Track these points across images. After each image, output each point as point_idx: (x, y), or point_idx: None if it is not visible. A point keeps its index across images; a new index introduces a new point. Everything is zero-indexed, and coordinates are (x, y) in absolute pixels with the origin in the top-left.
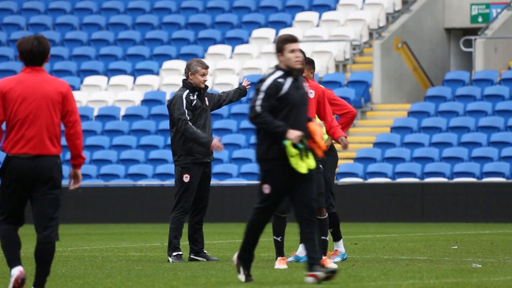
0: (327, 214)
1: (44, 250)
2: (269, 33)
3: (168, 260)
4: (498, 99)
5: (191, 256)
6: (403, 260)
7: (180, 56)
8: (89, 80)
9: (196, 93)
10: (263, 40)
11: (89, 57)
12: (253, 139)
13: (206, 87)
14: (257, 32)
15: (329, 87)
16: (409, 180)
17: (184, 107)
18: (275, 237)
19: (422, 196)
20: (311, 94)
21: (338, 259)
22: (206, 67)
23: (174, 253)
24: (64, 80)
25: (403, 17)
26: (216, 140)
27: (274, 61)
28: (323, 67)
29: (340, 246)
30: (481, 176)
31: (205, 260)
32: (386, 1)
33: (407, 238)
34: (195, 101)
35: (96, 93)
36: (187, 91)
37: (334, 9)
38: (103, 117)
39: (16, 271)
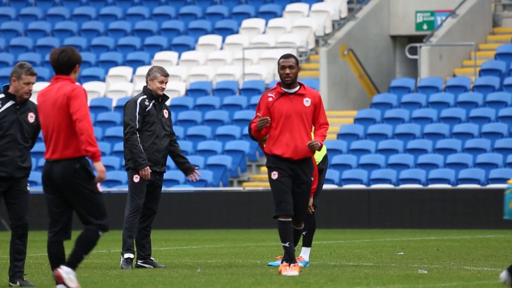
0: (302, 225)
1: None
2: (216, 39)
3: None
4: (443, 106)
5: (138, 263)
6: (350, 266)
7: (126, 63)
8: (36, 86)
9: (153, 101)
10: (209, 47)
11: (34, 63)
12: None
13: (166, 97)
14: (203, 39)
15: None
16: (356, 187)
17: (137, 113)
18: (282, 243)
19: (369, 202)
20: (307, 102)
21: (301, 264)
22: (166, 75)
23: (126, 255)
24: (77, 85)
25: (349, 24)
26: (146, 170)
27: (220, 68)
28: (269, 73)
29: (306, 253)
30: (426, 182)
31: (152, 267)
32: (332, 9)
33: (354, 244)
34: (149, 108)
35: None
36: (143, 96)
37: (281, 16)
38: None
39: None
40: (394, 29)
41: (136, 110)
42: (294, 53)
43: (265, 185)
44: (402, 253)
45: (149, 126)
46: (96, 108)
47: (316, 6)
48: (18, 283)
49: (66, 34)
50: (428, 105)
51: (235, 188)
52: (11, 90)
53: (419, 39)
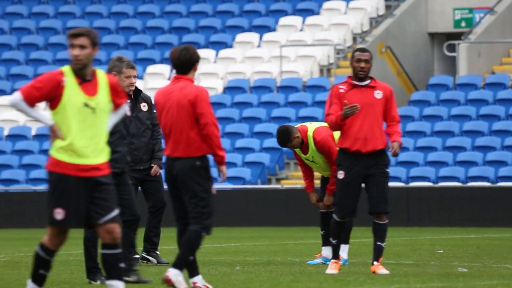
0: (387, 220)
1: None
2: (253, 37)
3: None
4: (482, 103)
5: (143, 254)
6: (389, 264)
7: (164, 61)
8: None
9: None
10: (247, 45)
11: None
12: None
13: (139, 91)
14: (241, 37)
15: (313, 91)
16: (395, 185)
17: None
18: (331, 239)
19: (407, 200)
20: (378, 94)
21: (320, 260)
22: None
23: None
24: (199, 86)
25: (386, 22)
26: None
27: (258, 66)
28: (307, 71)
29: (345, 251)
30: (465, 180)
31: (155, 260)
32: (370, 6)
33: (393, 242)
34: None
35: None
36: None
37: (318, 13)
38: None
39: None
40: (432, 26)
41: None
42: (332, 50)
43: (303, 183)
44: (441, 251)
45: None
46: None
47: (353, 4)
48: (133, 277)
49: (104, 32)
50: (466, 102)
51: (273, 185)
52: None
53: (457, 36)
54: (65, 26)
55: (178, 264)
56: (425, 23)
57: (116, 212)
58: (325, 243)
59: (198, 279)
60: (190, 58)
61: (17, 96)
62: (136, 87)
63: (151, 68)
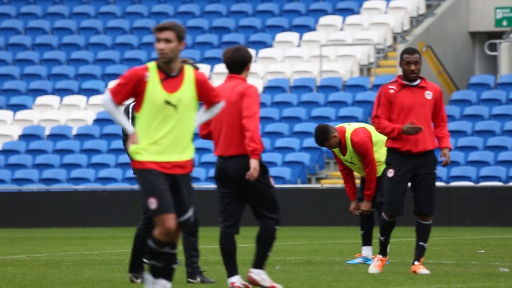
0: (431, 221)
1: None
2: (293, 36)
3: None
4: None
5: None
6: (430, 264)
7: (204, 60)
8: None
9: None
10: (287, 44)
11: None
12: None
13: None
14: (281, 36)
15: (353, 91)
16: (436, 184)
17: (129, 119)
18: (379, 236)
19: (448, 200)
20: (429, 95)
21: (360, 260)
22: None
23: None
24: (250, 84)
25: (427, 21)
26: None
27: (298, 65)
28: (347, 71)
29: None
30: (507, 180)
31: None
32: (410, 5)
33: (434, 242)
34: None
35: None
36: (134, 102)
37: (358, 13)
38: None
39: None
40: (473, 26)
41: (129, 117)
42: (372, 50)
43: (343, 182)
44: (483, 251)
45: None
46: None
47: (393, 3)
48: (198, 279)
49: (144, 32)
50: (508, 102)
51: (313, 185)
52: None
53: (499, 35)
54: (106, 26)
55: (259, 263)
56: (466, 22)
57: (189, 214)
58: (365, 242)
59: (237, 279)
60: (243, 58)
61: (106, 96)
62: None
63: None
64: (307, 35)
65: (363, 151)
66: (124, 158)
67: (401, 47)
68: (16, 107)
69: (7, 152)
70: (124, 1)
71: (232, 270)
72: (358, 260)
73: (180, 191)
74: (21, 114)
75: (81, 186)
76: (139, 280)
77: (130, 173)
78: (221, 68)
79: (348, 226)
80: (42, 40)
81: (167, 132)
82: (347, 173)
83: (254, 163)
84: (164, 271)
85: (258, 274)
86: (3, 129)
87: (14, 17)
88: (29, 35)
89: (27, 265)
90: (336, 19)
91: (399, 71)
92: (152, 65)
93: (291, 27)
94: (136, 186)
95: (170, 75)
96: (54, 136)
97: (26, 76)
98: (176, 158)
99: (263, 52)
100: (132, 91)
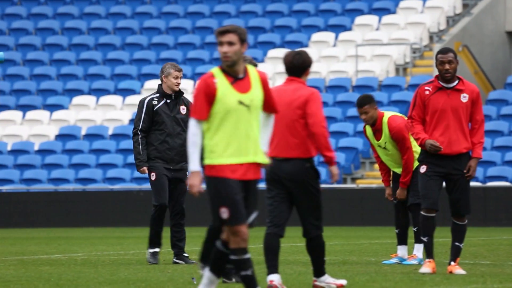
0: (466, 221)
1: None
2: (329, 36)
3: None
4: None
5: (174, 259)
6: (466, 264)
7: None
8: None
9: (165, 99)
10: (322, 44)
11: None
12: None
13: (181, 93)
14: (316, 36)
15: (389, 90)
16: (472, 184)
17: (143, 113)
18: (422, 237)
19: (485, 200)
20: (464, 98)
21: (415, 262)
22: (180, 70)
23: (150, 250)
24: (312, 88)
25: (463, 20)
26: (143, 171)
27: (333, 65)
28: (383, 70)
29: (420, 250)
30: None
31: (183, 263)
32: (447, 4)
33: (470, 242)
34: (157, 106)
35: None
36: (152, 96)
37: (394, 12)
38: (90, 136)
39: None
40: (510, 25)
41: (143, 110)
42: (408, 50)
43: (378, 182)
44: None
45: (158, 125)
46: None
47: (430, 2)
48: (233, 279)
49: (180, 32)
50: None
51: (349, 185)
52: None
53: None
54: (142, 26)
55: (318, 271)
56: (503, 21)
57: (251, 218)
58: (400, 242)
59: (276, 278)
60: (303, 62)
61: (191, 123)
62: (179, 89)
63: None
64: (343, 35)
65: (400, 136)
66: None
67: (437, 47)
68: (52, 107)
69: (44, 152)
70: (160, 1)
71: (272, 267)
72: (394, 260)
73: (248, 195)
74: (58, 114)
75: (117, 186)
76: (233, 280)
77: None
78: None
79: (384, 226)
80: (78, 41)
81: (242, 134)
82: (381, 161)
83: (334, 170)
84: (251, 279)
85: (322, 281)
86: (40, 129)
87: (51, 17)
88: (66, 35)
89: (63, 264)
90: (372, 19)
91: (436, 71)
92: (216, 71)
93: (327, 27)
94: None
95: (237, 78)
96: (90, 136)
97: (63, 76)
98: (251, 159)
99: None
100: (209, 102)
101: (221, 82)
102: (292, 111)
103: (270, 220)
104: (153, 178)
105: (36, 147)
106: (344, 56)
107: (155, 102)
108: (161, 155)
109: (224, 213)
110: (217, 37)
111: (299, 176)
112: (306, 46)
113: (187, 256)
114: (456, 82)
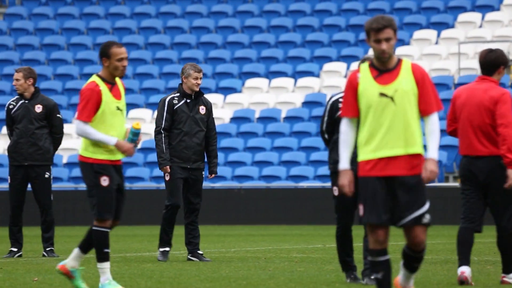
0: None
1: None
2: (431, 34)
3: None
4: None
5: (188, 256)
6: None
7: (340, 58)
8: (250, 82)
9: (185, 99)
10: (424, 42)
11: (250, 59)
12: None
13: (201, 94)
14: (418, 33)
15: None
16: None
17: (165, 112)
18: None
19: None
20: None
21: None
22: (199, 71)
23: (161, 249)
24: (504, 89)
25: None
26: (165, 170)
27: (435, 63)
28: None
29: None
30: None
31: (197, 260)
32: None
33: None
34: (177, 106)
35: (257, 95)
36: (173, 95)
37: (498, 9)
38: (264, 119)
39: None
40: None
41: (165, 109)
42: None
43: None
44: None
45: (177, 124)
46: (311, 103)
47: None
48: (365, 280)
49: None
50: None
51: (451, 183)
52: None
53: None
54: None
55: (508, 267)
56: None
57: (408, 218)
58: None
59: (467, 269)
60: (495, 59)
61: (344, 122)
62: (199, 89)
63: (327, 66)
64: (445, 33)
65: None
66: (259, 156)
67: None
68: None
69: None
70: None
71: (464, 259)
72: None
73: (395, 194)
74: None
75: (218, 184)
76: (348, 280)
77: (266, 171)
78: (356, 65)
79: (489, 225)
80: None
81: (387, 126)
82: None
83: (511, 173)
84: (383, 283)
85: (511, 278)
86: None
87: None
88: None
89: (165, 262)
90: (475, 16)
91: None
92: (364, 66)
93: (429, 25)
94: (270, 184)
95: (384, 71)
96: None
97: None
98: (398, 152)
99: (401, 49)
100: (354, 96)
101: (364, 77)
102: (484, 112)
103: (465, 216)
104: (167, 178)
105: None
106: (446, 53)
107: (175, 101)
108: (178, 154)
109: (360, 210)
110: (372, 34)
111: (494, 173)
112: (408, 44)
113: (202, 254)
114: None
